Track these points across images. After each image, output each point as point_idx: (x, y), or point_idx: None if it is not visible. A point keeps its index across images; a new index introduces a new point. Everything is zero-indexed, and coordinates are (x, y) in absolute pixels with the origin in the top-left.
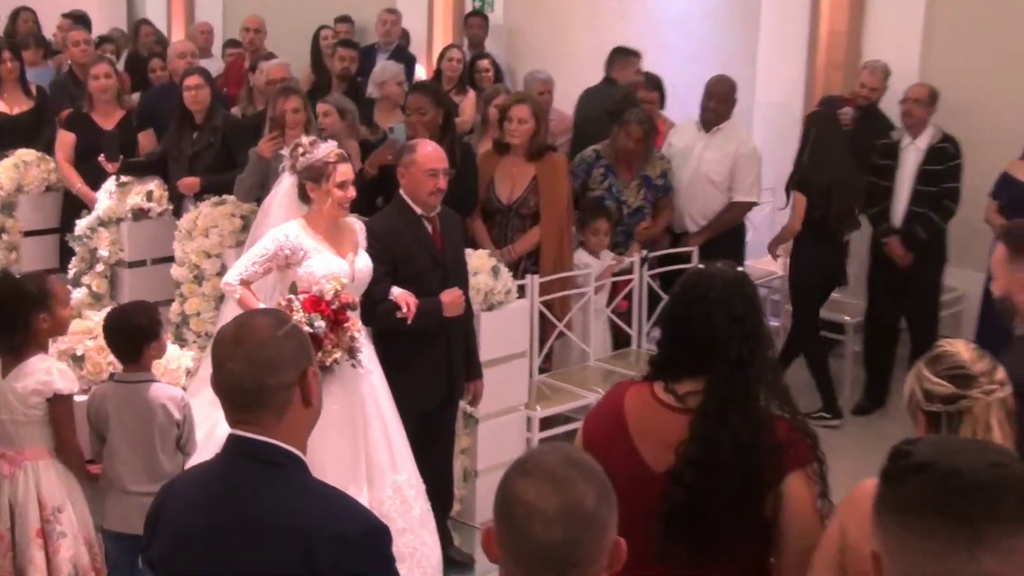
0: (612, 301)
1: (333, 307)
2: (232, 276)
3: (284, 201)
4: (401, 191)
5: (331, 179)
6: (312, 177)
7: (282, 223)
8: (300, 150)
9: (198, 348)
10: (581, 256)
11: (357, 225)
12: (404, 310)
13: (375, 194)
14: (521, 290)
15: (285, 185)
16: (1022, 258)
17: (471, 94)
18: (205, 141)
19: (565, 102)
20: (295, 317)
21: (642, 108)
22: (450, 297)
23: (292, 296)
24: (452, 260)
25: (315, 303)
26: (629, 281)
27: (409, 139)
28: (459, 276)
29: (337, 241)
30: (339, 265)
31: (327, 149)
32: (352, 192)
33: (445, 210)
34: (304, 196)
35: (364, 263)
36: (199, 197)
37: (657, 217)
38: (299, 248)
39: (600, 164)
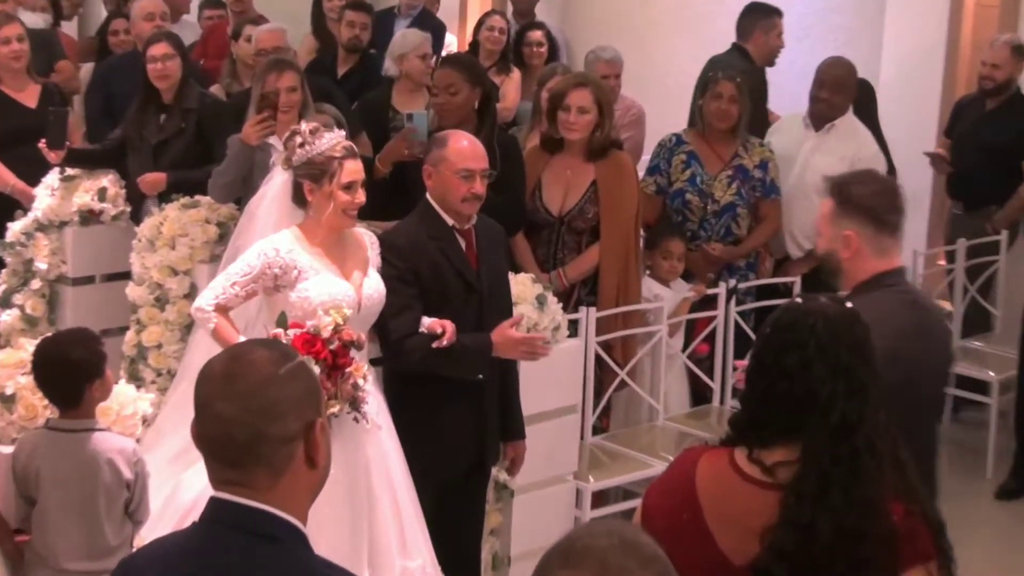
0: (689, 344)
1: (331, 347)
2: (206, 300)
3: (275, 205)
4: (428, 195)
5: (335, 179)
6: (311, 175)
7: (271, 232)
8: (298, 140)
9: (158, 390)
10: (650, 285)
11: (367, 238)
12: (441, 338)
13: (390, 198)
14: (573, 327)
15: (276, 184)
16: (849, 213)
17: (516, 74)
18: (174, 126)
19: (635, 88)
20: None
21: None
22: (504, 336)
23: (280, 331)
24: (491, 285)
25: (309, 343)
26: (712, 319)
27: (437, 129)
28: (499, 306)
29: (340, 258)
30: (342, 289)
31: (332, 140)
32: (361, 196)
33: (484, 220)
34: (300, 199)
35: (374, 287)
36: (165, 197)
37: (758, 226)
38: (292, 266)
39: (682, 149)
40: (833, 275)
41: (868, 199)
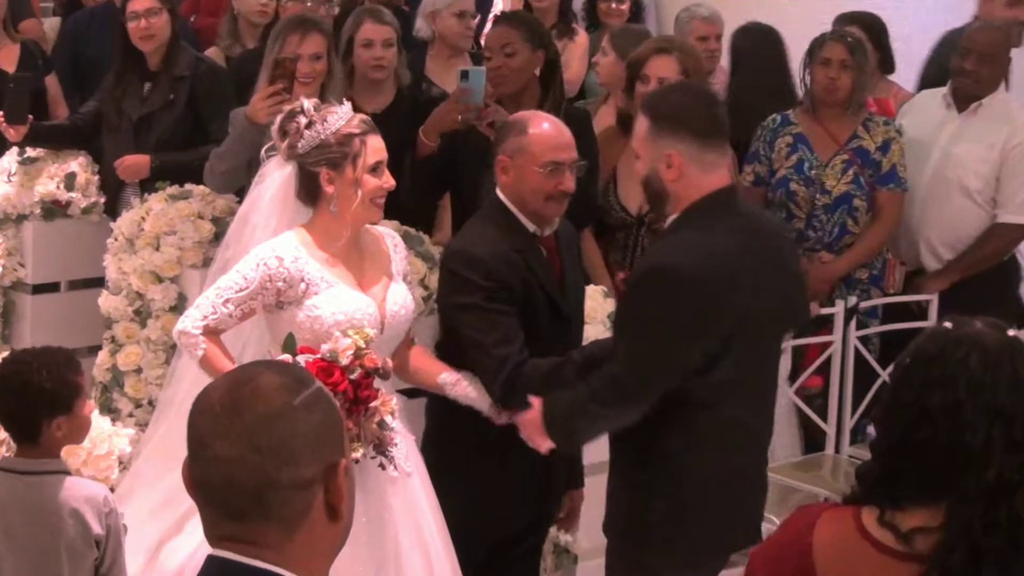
0: (798, 375)
1: (352, 376)
2: (191, 321)
3: (274, 208)
4: (500, 194)
5: (360, 160)
6: (330, 161)
7: (270, 238)
8: (302, 120)
9: (136, 425)
10: None
11: (389, 238)
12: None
13: (435, 181)
14: None
15: (275, 182)
16: (666, 128)
17: (582, 38)
18: (161, 98)
19: None
20: None
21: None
22: None
23: (287, 357)
24: (576, 306)
25: (324, 371)
26: (825, 345)
27: (499, 90)
28: (581, 329)
29: (358, 264)
30: (361, 305)
31: (345, 114)
32: (390, 179)
33: (563, 224)
34: (312, 194)
35: (401, 300)
36: (148, 186)
37: (869, 225)
38: (298, 278)
39: (788, 131)
40: (657, 204)
41: (686, 113)
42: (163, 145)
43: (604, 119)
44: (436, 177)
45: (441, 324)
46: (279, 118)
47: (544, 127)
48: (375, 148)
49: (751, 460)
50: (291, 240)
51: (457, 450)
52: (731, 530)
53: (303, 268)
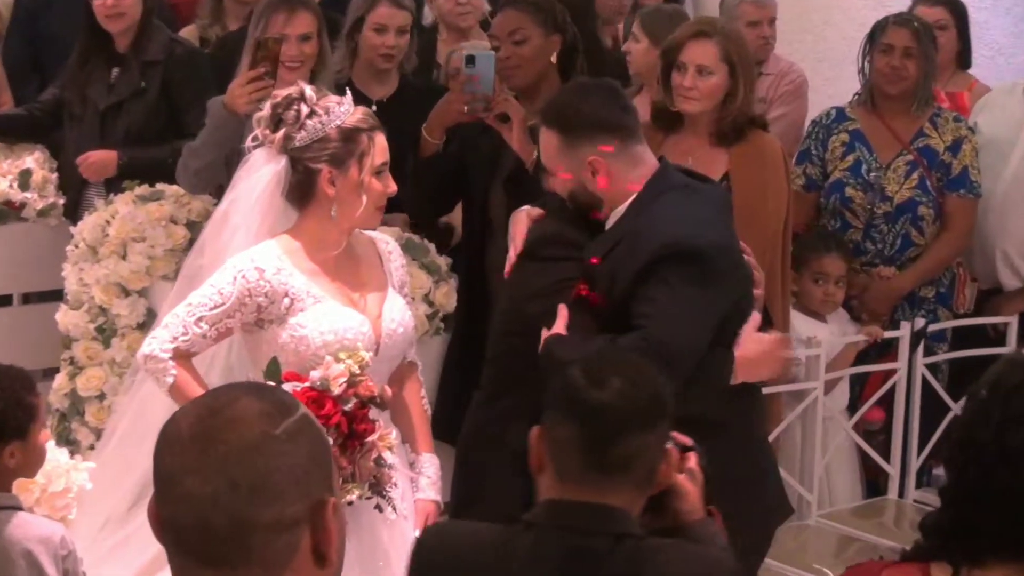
0: (856, 407)
1: (346, 407)
2: (159, 344)
3: (257, 209)
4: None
5: (367, 160)
6: (333, 158)
7: (252, 245)
8: (303, 108)
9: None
10: (800, 323)
11: (381, 243)
12: None
13: (441, 187)
14: None
15: (263, 180)
16: (579, 136)
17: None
18: (130, 85)
19: (790, 46)
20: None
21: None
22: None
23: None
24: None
25: (316, 402)
26: (888, 374)
27: (510, 83)
28: None
29: (351, 275)
30: (353, 323)
31: (348, 105)
32: (393, 183)
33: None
34: (304, 196)
35: (398, 316)
36: (114, 185)
37: (942, 234)
38: (282, 292)
39: (844, 127)
40: (588, 207)
41: (595, 114)
42: (132, 139)
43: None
44: (442, 182)
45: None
46: (271, 104)
47: None
48: (382, 147)
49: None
50: (273, 249)
51: (468, 476)
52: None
53: (287, 281)
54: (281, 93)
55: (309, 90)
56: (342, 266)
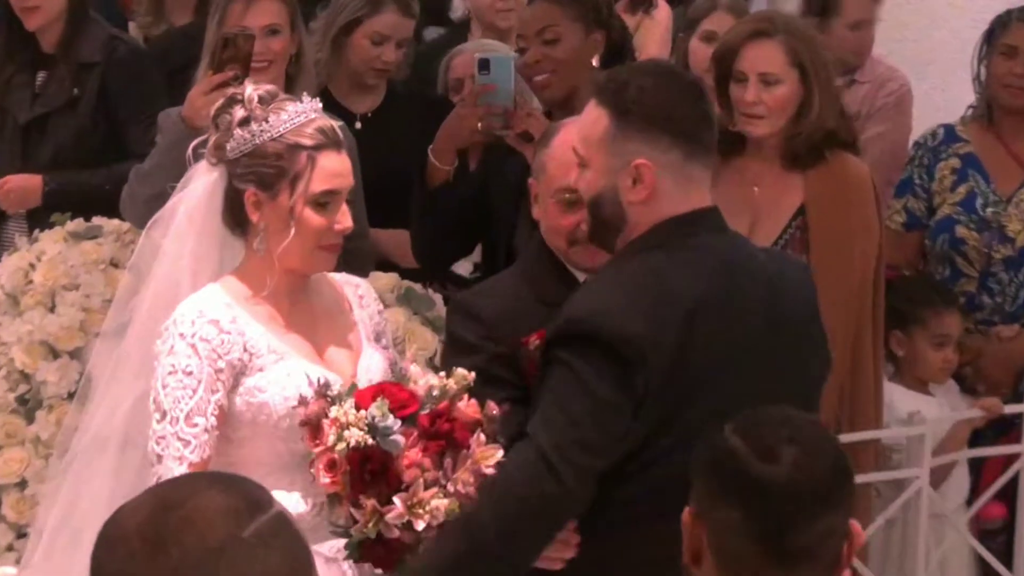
0: (973, 500)
1: (436, 416)
2: (166, 470)
3: (191, 230)
4: (541, 230)
5: (301, 184)
6: (261, 178)
7: (186, 286)
8: (238, 112)
9: (18, 563)
10: (899, 396)
11: (348, 287)
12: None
13: (453, 230)
14: None
15: (196, 193)
16: (637, 126)
17: (663, 12)
18: (60, 93)
19: (892, 43)
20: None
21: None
22: None
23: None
24: None
25: (397, 398)
26: (1010, 459)
27: (542, 95)
28: None
29: (309, 324)
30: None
31: (299, 114)
32: (346, 219)
33: None
34: (238, 219)
35: (377, 372)
36: (39, 218)
37: None
38: (240, 345)
39: (954, 150)
40: (602, 236)
41: (668, 105)
42: (62, 160)
43: None
44: (458, 217)
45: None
46: (214, 105)
47: (564, 139)
48: (329, 172)
49: None
50: (217, 295)
51: None
52: None
53: (244, 331)
54: (231, 91)
55: (251, 90)
56: (300, 312)
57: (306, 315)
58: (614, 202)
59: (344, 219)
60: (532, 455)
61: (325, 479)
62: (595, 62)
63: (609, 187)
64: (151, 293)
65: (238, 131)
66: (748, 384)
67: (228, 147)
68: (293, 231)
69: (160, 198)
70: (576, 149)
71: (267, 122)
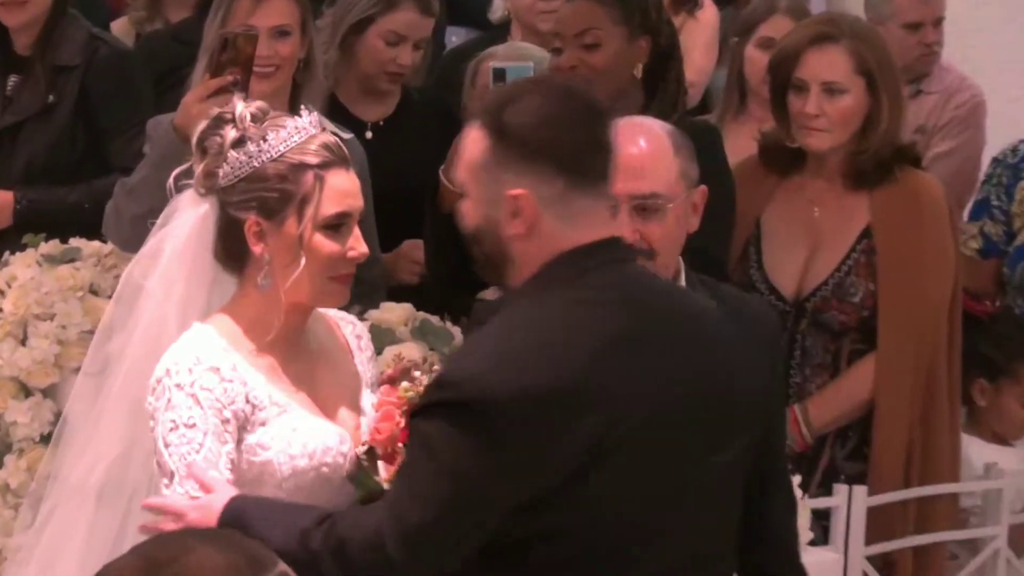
0: None
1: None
2: None
3: (179, 267)
4: None
5: (310, 208)
6: (263, 204)
7: (173, 327)
8: (229, 133)
9: None
10: (974, 448)
11: (344, 324)
12: None
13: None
14: (823, 522)
15: (185, 226)
16: (517, 153)
17: (709, 13)
18: (34, 100)
19: (966, 48)
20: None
21: None
22: None
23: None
24: None
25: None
26: None
27: None
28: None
29: (308, 372)
30: (328, 440)
31: (299, 131)
32: (361, 244)
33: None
34: (234, 254)
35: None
36: (9, 239)
37: None
38: (238, 393)
39: None
40: (492, 271)
41: (550, 129)
42: (37, 174)
43: (744, 142)
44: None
45: None
46: (198, 128)
47: (628, 150)
48: (339, 191)
49: None
50: (211, 338)
51: None
52: None
53: (246, 379)
54: (217, 110)
55: (241, 107)
56: (301, 359)
57: (305, 360)
58: (495, 236)
59: (358, 244)
60: (373, 538)
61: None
62: (637, 72)
63: (489, 219)
64: (139, 333)
65: (232, 154)
66: (673, 443)
67: (221, 173)
68: (303, 261)
69: (149, 217)
70: (456, 176)
71: (265, 141)
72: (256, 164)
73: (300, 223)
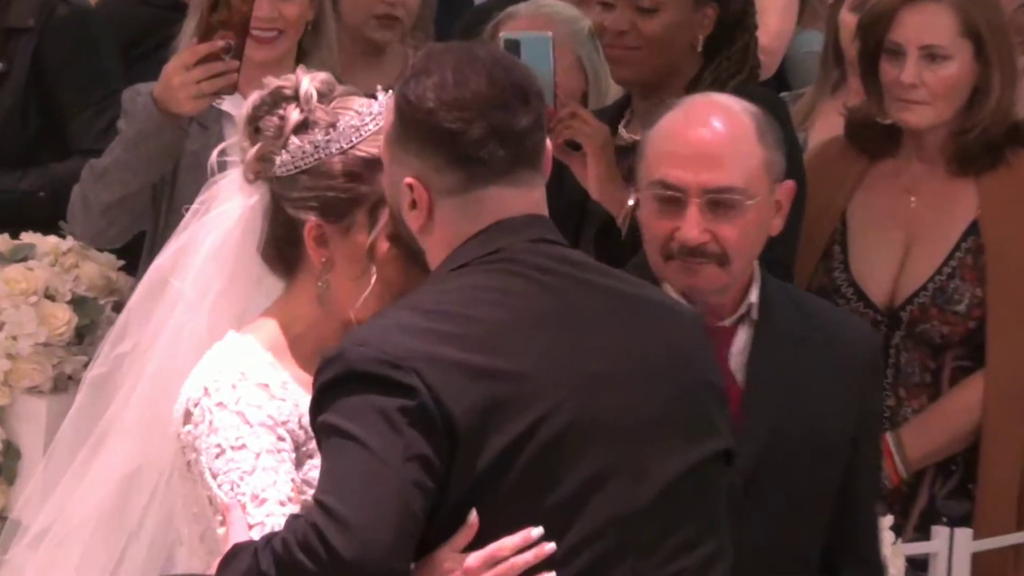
0: None
1: None
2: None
3: (219, 262)
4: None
5: (382, 217)
6: (328, 205)
7: (203, 341)
8: (292, 114)
9: None
10: None
11: None
12: None
13: None
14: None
15: (226, 218)
16: (409, 133)
17: None
18: None
19: None
20: None
21: None
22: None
23: None
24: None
25: None
26: None
27: (617, 71)
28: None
29: None
30: None
31: (375, 114)
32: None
33: (785, 307)
34: (286, 256)
35: None
36: None
37: None
38: (292, 415)
39: None
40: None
41: (445, 111)
42: None
43: (829, 122)
44: None
45: None
46: (256, 98)
47: (675, 120)
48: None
49: None
50: (255, 351)
51: None
52: None
53: (299, 400)
54: (275, 82)
55: (308, 81)
56: None
57: None
58: (404, 225)
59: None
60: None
61: None
62: (698, 45)
63: (395, 205)
64: (164, 339)
65: (295, 140)
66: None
67: (278, 161)
68: (375, 276)
69: (124, 205)
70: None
71: (335, 129)
72: (323, 156)
73: (371, 231)
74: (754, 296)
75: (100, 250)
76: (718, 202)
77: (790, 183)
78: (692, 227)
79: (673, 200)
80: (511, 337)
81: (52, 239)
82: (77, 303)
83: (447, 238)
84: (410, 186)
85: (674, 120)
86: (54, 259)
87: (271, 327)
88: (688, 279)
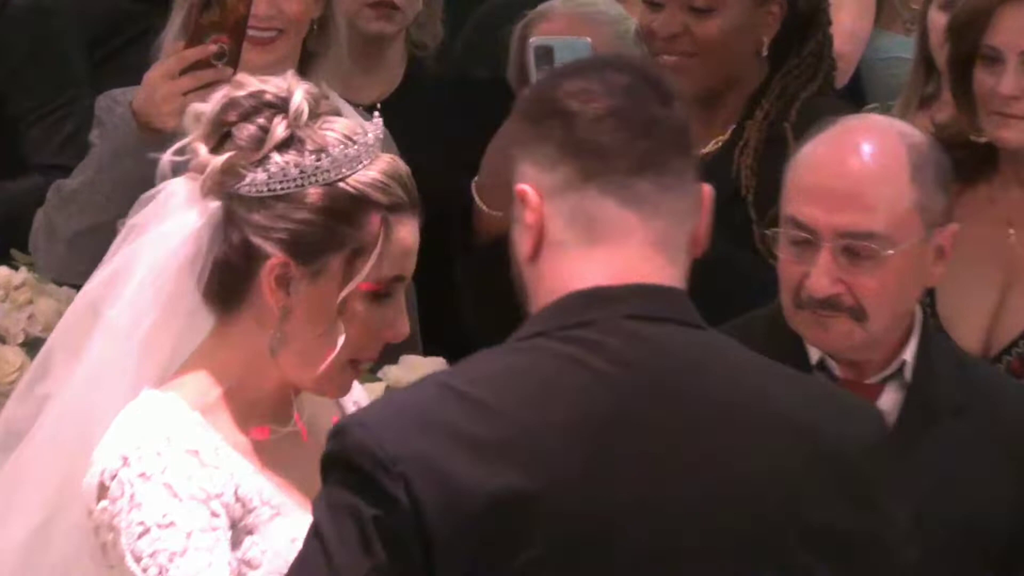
0: None
1: None
2: None
3: (156, 289)
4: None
5: (364, 264)
6: (298, 243)
7: (130, 382)
8: (278, 125)
9: None
10: None
11: (346, 404)
12: None
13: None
14: None
15: (173, 233)
16: (527, 139)
17: None
18: None
19: None
20: None
21: None
22: None
23: None
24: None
25: None
26: None
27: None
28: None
29: (299, 454)
30: None
31: (366, 144)
32: (404, 324)
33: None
34: (232, 291)
35: None
36: None
37: None
38: (227, 486)
39: None
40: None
41: (569, 99)
42: None
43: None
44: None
45: None
46: (223, 99)
47: (821, 141)
48: (404, 248)
49: None
50: (181, 409)
51: None
52: None
53: (233, 470)
54: (253, 83)
55: (301, 91)
56: (287, 443)
57: (294, 444)
58: (515, 248)
59: (401, 323)
60: None
61: None
62: (763, 48)
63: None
64: (83, 372)
65: (276, 158)
66: None
67: (249, 178)
68: (342, 337)
69: (96, 235)
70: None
71: (325, 154)
72: (307, 183)
73: (344, 283)
74: (908, 354)
75: (59, 284)
76: (854, 249)
77: (953, 227)
78: (822, 275)
79: (805, 242)
80: (540, 446)
81: (3, 270)
82: (31, 346)
83: (556, 273)
84: (522, 193)
85: (816, 146)
86: (4, 294)
87: (197, 381)
88: (818, 333)
